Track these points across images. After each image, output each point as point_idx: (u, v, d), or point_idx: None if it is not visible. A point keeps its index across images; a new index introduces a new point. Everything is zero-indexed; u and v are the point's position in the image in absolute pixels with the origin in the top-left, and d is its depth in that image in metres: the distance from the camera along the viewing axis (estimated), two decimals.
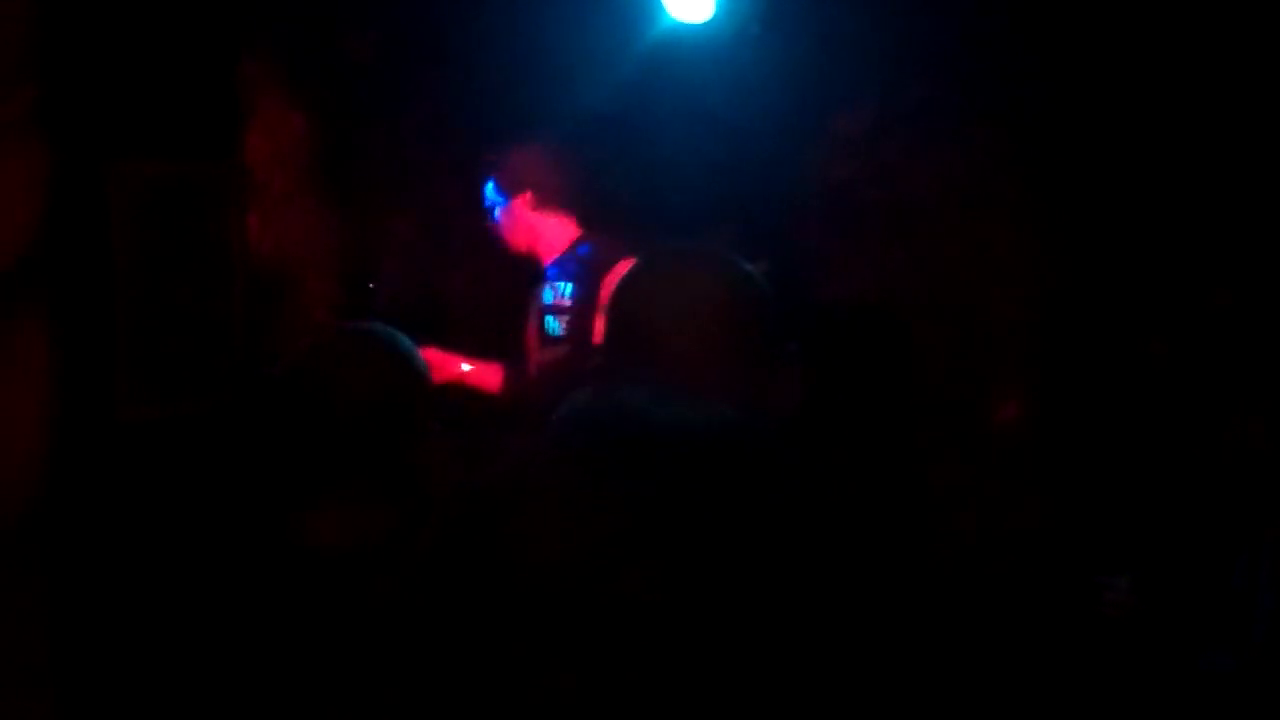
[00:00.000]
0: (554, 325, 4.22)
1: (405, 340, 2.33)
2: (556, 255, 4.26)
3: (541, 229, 4.25)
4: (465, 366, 4.33)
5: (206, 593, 2.17)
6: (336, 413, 2.19)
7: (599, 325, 4.09)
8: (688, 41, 4.46)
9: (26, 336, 2.42)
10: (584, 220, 4.27)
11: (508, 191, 4.23)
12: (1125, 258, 3.91)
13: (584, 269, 4.14)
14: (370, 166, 5.04)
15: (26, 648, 2.40)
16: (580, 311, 4.09)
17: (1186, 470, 3.08)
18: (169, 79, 2.94)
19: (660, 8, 4.29)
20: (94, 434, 2.75)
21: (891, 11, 4.32)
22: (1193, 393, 3.18)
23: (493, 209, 4.30)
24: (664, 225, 4.48)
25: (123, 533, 2.77)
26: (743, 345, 1.63)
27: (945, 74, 4.34)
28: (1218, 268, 3.59)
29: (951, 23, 4.26)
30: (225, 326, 3.05)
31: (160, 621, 2.36)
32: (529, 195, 4.19)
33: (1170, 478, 3.17)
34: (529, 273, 4.39)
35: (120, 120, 2.86)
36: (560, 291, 4.20)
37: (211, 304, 3.01)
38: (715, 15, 4.33)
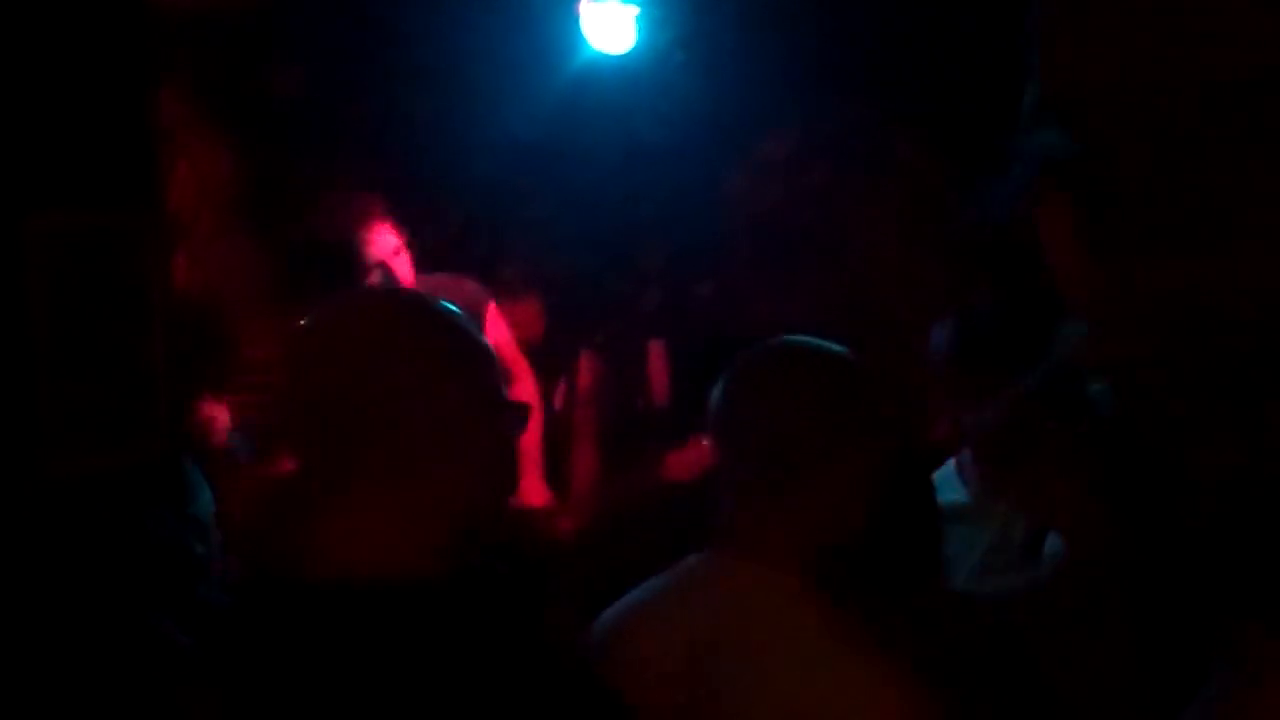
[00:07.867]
0: None
1: None
2: None
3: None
4: None
5: (127, 656, 2.16)
6: None
7: None
8: (611, 70, 4.47)
9: None
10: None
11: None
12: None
13: None
14: (300, 201, 5.01)
15: None
16: None
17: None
18: (84, 130, 2.91)
19: (582, 39, 4.30)
20: (17, 488, 2.73)
21: (814, 34, 4.34)
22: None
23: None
24: (592, 251, 4.48)
25: (47, 587, 2.73)
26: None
27: (869, 94, 4.35)
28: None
29: (874, 42, 4.28)
30: (149, 376, 3.02)
31: (81, 684, 2.34)
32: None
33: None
34: None
35: (35, 173, 2.83)
36: None
37: (134, 354, 2.99)
38: (637, 45, 4.35)
